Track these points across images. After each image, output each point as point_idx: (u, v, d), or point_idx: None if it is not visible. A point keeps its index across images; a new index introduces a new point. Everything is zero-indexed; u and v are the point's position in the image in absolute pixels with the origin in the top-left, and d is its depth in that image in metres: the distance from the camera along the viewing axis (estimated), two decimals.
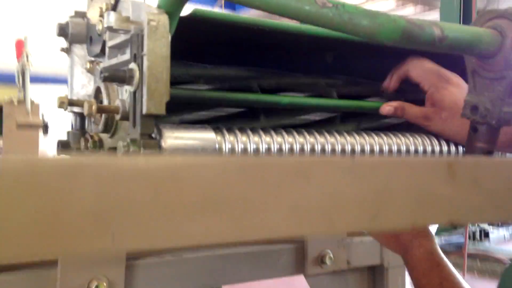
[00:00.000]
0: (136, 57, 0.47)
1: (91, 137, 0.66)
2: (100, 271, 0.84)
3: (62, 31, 0.66)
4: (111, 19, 0.47)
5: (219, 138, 0.55)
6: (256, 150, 0.58)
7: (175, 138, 0.51)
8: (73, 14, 0.69)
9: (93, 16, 0.65)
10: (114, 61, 0.54)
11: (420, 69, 0.74)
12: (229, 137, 0.56)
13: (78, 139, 0.69)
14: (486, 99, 0.52)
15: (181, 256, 0.97)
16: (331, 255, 1.14)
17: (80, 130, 0.70)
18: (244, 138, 0.57)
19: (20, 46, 2.25)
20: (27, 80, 2.15)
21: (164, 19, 0.46)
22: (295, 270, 1.12)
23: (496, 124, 0.52)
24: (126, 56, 0.50)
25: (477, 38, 0.48)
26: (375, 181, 0.33)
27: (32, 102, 2.13)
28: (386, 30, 0.43)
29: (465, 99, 0.55)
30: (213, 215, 0.26)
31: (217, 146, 0.55)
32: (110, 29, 0.48)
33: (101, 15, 0.59)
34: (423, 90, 0.74)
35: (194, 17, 0.54)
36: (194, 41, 0.58)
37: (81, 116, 0.70)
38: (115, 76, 0.48)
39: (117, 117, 0.52)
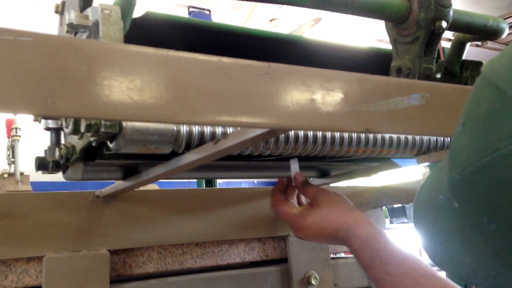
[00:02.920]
0: None
1: (65, 146, 0.71)
2: None
3: None
4: (72, 16, 0.55)
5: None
6: (213, 134, 0.64)
7: None
8: None
9: None
10: None
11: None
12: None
13: (54, 151, 0.74)
14: (407, 60, 0.59)
15: (165, 281, 0.98)
16: (317, 276, 1.15)
17: (55, 144, 0.76)
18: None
19: (10, 123, 2.35)
20: (16, 153, 2.22)
21: (116, 8, 0.54)
22: None
23: (419, 79, 0.59)
24: None
25: (386, 3, 0.56)
26: (292, 85, 0.39)
27: (21, 174, 2.19)
28: None
29: (391, 65, 0.62)
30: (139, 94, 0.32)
31: (175, 128, 0.61)
32: (71, 25, 0.56)
33: (68, 31, 0.67)
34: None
35: (148, 19, 0.62)
36: (150, 43, 0.66)
37: (56, 131, 0.76)
38: None
39: None
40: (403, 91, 0.45)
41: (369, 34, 5.48)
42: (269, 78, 0.38)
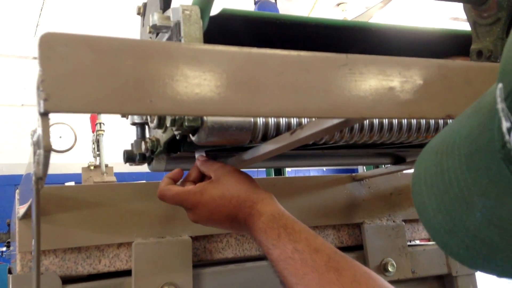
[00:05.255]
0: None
1: (150, 139, 0.76)
2: (170, 278, 0.91)
3: None
4: (155, 17, 0.59)
5: None
6: (288, 124, 0.65)
7: None
8: None
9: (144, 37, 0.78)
10: None
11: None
12: None
13: (140, 145, 0.79)
14: (488, 42, 0.58)
15: (243, 266, 1.02)
16: (393, 263, 1.14)
17: (141, 138, 0.81)
18: None
19: (94, 119, 2.51)
20: (101, 146, 2.38)
21: (196, 9, 0.57)
22: None
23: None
24: None
25: None
26: (370, 75, 0.39)
27: (106, 165, 2.35)
28: None
29: (471, 48, 0.60)
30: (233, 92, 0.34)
31: (252, 120, 0.63)
32: (154, 27, 0.59)
33: (150, 32, 0.71)
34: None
35: (224, 16, 0.64)
36: (225, 38, 0.68)
37: (141, 126, 0.81)
38: None
39: None
40: (485, 76, 0.44)
41: (443, 12, 5.23)
42: (347, 69, 0.39)
